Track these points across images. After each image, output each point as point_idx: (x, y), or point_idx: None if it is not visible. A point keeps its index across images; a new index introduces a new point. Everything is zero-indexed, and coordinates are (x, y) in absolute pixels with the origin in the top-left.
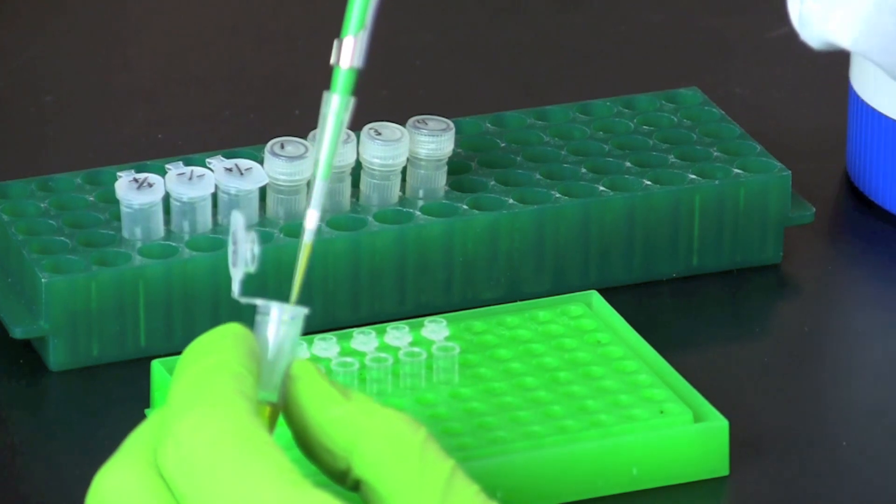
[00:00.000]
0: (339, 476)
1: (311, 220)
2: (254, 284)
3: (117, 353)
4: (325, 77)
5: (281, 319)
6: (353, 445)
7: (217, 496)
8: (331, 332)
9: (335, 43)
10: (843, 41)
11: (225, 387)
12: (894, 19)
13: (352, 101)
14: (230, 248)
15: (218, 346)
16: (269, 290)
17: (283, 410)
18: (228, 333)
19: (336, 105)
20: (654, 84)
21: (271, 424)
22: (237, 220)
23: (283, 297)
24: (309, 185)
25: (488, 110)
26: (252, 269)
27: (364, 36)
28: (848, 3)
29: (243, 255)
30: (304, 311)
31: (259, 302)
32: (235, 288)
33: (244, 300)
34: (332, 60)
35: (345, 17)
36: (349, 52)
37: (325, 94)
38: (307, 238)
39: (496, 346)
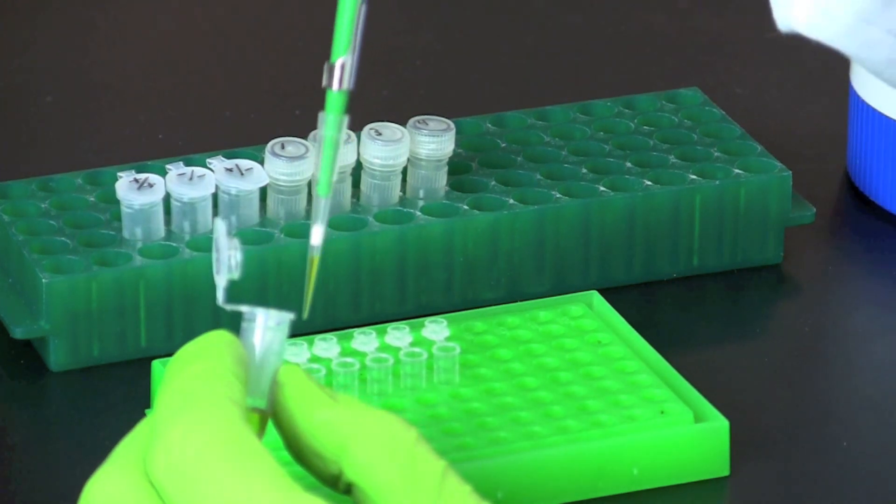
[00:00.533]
0: (331, 480)
1: (316, 236)
2: (255, 285)
3: (117, 354)
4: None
5: (267, 325)
6: (343, 448)
7: (207, 502)
8: (331, 333)
9: (325, 66)
10: (799, 26)
11: (214, 393)
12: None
13: (345, 119)
14: (213, 256)
15: (206, 352)
16: (269, 290)
17: (272, 416)
18: (216, 340)
19: (329, 125)
20: (654, 84)
21: (260, 431)
22: (219, 228)
23: (284, 297)
24: (310, 185)
25: (488, 110)
26: (236, 276)
27: (352, 58)
28: None
29: (226, 262)
30: (289, 316)
31: (244, 308)
32: (220, 295)
33: (229, 307)
34: (324, 84)
35: (333, 40)
36: (338, 76)
37: (321, 116)
38: (314, 253)
39: (497, 347)
